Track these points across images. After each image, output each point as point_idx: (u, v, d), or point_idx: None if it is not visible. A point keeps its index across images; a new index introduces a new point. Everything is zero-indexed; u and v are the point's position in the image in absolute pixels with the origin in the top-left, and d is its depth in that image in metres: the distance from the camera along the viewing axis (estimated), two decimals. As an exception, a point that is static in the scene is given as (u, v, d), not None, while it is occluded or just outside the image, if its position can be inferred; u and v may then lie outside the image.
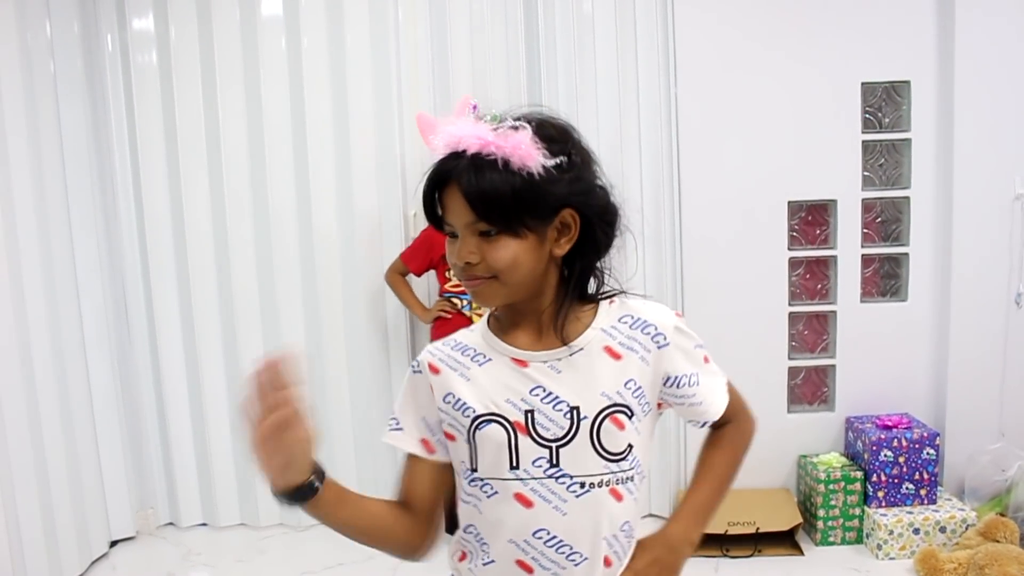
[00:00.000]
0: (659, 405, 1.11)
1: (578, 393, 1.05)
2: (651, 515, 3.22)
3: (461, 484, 1.11)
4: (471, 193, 0.98)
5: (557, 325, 1.06)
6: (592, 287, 1.11)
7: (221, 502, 3.33)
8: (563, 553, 1.06)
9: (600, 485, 1.05)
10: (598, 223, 1.04)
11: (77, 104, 2.99)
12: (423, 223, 3.10)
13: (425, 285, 3.14)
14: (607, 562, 1.08)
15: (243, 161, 3.17)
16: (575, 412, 1.04)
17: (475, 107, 1.08)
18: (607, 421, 1.04)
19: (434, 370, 1.10)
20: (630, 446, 1.06)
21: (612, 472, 1.05)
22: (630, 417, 1.06)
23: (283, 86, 3.12)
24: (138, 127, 3.16)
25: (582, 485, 1.05)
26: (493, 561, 1.09)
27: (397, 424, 1.12)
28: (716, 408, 1.13)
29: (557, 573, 1.06)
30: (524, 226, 1.00)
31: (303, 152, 3.15)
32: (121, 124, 3.19)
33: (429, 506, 1.12)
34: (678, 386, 1.09)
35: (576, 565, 1.06)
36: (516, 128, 0.98)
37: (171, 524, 3.38)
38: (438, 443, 1.11)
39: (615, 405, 1.05)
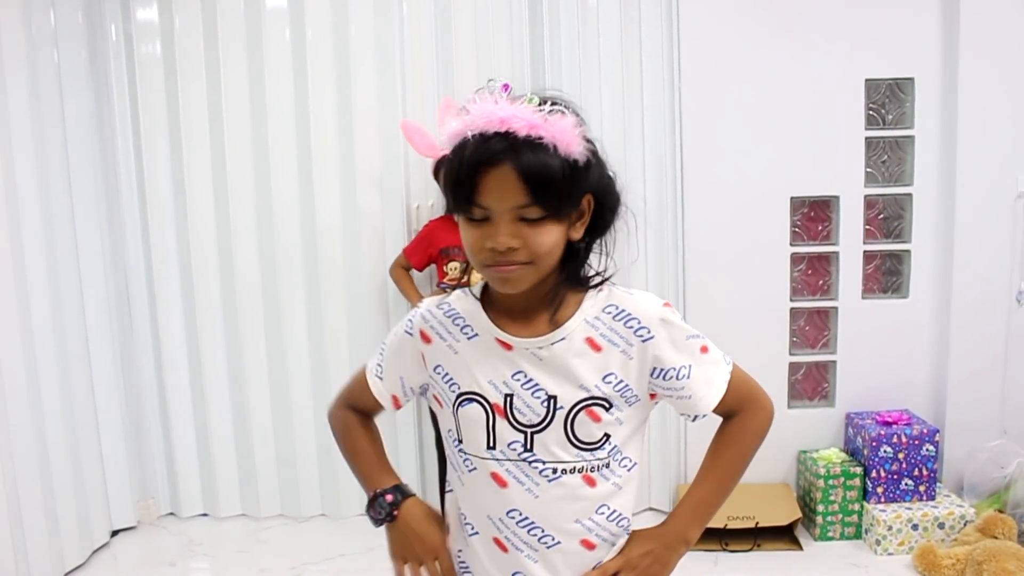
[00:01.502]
0: (652, 396, 1.10)
1: (557, 383, 1.05)
2: (650, 509, 3.24)
3: (450, 450, 1.13)
4: (531, 175, 0.94)
5: (552, 310, 1.06)
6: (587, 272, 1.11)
7: (222, 492, 3.34)
8: (535, 535, 1.07)
9: (572, 472, 1.06)
10: (608, 209, 1.06)
11: (81, 94, 2.99)
12: (426, 216, 3.10)
13: (428, 280, 3.14)
14: (588, 544, 1.09)
15: (246, 152, 3.17)
16: (552, 401, 1.05)
17: (507, 87, 1.03)
18: (582, 413, 1.05)
19: (425, 339, 1.13)
20: (607, 436, 1.06)
21: (585, 460, 1.06)
22: (608, 409, 1.05)
23: (287, 78, 3.12)
24: (142, 117, 3.16)
25: (554, 471, 1.06)
26: (477, 533, 1.12)
27: (381, 372, 1.19)
28: (706, 402, 1.09)
29: (530, 555, 1.08)
30: (564, 211, 1.00)
31: (306, 144, 3.15)
32: (125, 114, 3.19)
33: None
34: (665, 378, 1.07)
35: (548, 548, 1.08)
36: (562, 113, 0.96)
37: (172, 514, 3.39)
38: (404, 401, 1.21)
39: (592, 398, 1.05)
